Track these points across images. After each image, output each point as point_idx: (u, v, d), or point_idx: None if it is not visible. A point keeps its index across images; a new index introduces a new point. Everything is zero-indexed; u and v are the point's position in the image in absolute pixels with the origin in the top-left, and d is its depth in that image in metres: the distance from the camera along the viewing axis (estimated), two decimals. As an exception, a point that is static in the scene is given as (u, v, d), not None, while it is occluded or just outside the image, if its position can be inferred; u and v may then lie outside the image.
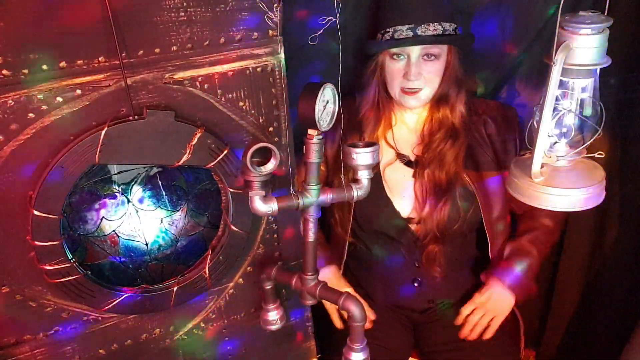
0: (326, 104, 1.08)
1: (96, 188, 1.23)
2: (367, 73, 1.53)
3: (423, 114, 1.57)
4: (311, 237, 1.18)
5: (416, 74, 1.43)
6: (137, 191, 1.31)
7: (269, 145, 1.08)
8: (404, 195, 1.56)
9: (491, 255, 1.58)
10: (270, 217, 1.31)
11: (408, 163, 1.57)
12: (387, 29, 1.43)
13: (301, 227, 1.19)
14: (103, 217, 1.26)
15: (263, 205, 1.10)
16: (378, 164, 1.50)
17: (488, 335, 1.54)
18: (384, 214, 1.57)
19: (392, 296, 1.65)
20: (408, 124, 1.59)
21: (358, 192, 1.18)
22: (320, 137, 1.10)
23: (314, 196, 1.14)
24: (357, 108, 1.58)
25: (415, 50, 1.43)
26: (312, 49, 1.22)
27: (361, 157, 1.14)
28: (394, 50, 1.44)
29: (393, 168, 1.57)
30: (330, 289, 1.22)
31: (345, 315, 1.28)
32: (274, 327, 1.33)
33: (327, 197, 1.16)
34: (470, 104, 1.55)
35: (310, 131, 1.09)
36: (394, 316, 1.66)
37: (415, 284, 1.62)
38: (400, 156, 1.58)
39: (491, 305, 1.54)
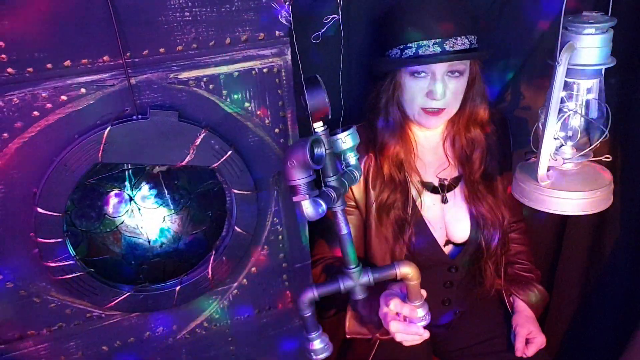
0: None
1: (99, 185, 1.23)
2: (381, 94, 1.40)
3: (438, 132, 1.49)
4: (344, 230, 1.16)
5: (442, 93, 1.32)
6: (139, 189, 1.31)
7: (316, 137, 1.05)
8: (438, 224, 1.50)
9: (502, 265, 1.57)
10: (274, 219, 1.30)
11: (434, 189, 1.49)
12: (409, 44, 1.31)
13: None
14: (106, 214, 1.26)
15: (314, 209, 1.04)
16: (415, 198, 1.46)
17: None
18: (428, 248, 1.49)
19: None
20: (425, 146, 1.49)
21: (357, 172, 1.19)
22: (326, 127, 1.10)
23: (338, 185, 1.13)
24: (370, 134, 1.45)
25: (441, 67, 1.31)
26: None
27: (351, 138, 1.14)
28: (416, 67, 1.32)
29: (422, 198, 1.47)
30: (380, 269, 1.18)
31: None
32: (322, 357, 1.23)
33: (345, 184, 1.15)
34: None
35: (316, 124, 1.09)
36: None
37: (446, 304, 1.59)
38: (424, 184, 1.49)
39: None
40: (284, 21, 1.11)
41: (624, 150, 1.61)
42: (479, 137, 1.45)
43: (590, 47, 0.95)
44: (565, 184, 1.05)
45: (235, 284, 1.32)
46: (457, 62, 1.32)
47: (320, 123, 1.10)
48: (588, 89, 1.01)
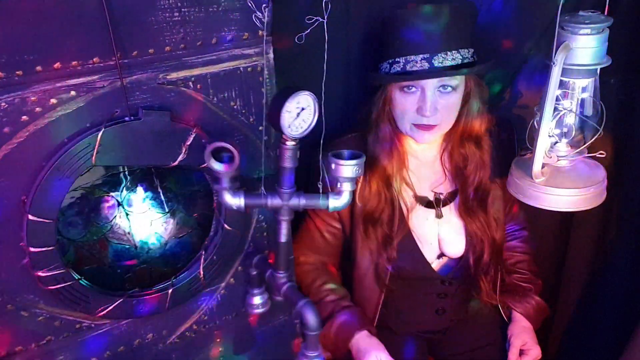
0: (301, 110, 1.06)
1: (86, 191, 1.21)
2: (375, 110, 1.38)
3: (435, 145, 1.45)
4: (283, 239, 1.20)
5: (432, 109, 1.27)
6: (127, 194, 1.29)
7: (228, 145, 1.07)
8: (429, 239, 1.47)
9: (499, 277, 1.55)
10: (260, 216, 1.32)
11: (428, 204, 1.46)
12: (397, 59, 1.28)
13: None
14: (93, 221, 1.23)
15: (231, 199, 1.12)
16: (405, 212, 1.44)
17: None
18: (415, 264, 1.47)
19: (414, 326, 1.61)
20: (421, 159, 1.45)
21: (335, 202, 1.13)
22: (294, 143, 1.09)
23: (284, 199, 1.15)
24: (363, 146, 1.41)
25: (430, 83, 1.26)
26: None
27: (344, 169, 1.09)
28: (405, 82, 1.29)
29: (415, 214, 1.45)
30: (295, 291, 1.23)
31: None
32: (257, 311, 1.33)
33: (300, 201, 1.14)
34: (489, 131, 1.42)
35: (284, 136, 1.09)
36: (409, 334, 1.63)
37: (439, 314, 1.57)
38: (419, 198, 1.45)
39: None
40: (257, 22, 1.14)
41: (624, 150, 1.59)
42: (472, 152, 1.41)
43: (586, 46, 0.96)
44: (559, 180, 1.06)
45: (223, 284, 1.33)
46: (447, 78, 1.28)
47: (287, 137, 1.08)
48: (583, 88, 1.02)
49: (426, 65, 1.25)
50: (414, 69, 1.26)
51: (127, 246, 1.29)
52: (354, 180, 1.11)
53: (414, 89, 1.30)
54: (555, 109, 1.02)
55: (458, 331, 1.62)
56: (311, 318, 1.16)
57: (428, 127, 1.32)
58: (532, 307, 1.56)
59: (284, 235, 1.20)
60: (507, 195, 1.40)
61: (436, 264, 1.51)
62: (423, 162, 1.46)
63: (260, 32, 1.16)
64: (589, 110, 1.05)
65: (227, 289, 1.34)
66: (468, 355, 1.59)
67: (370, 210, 1.44)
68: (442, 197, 1.46)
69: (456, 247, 1.49)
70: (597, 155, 1.08)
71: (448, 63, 1.26)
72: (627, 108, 1.56)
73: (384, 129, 1.38)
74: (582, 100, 1.05)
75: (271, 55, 1.19)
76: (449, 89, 1.29)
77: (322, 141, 1.11)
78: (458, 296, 1.57)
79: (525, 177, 1.08)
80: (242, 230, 1.28)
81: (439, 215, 1.46)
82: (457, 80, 1.29)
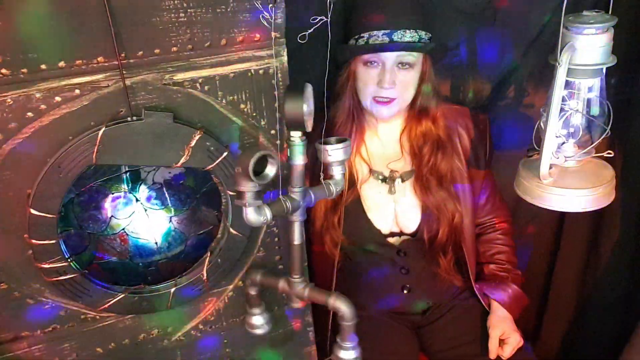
0: (307, 104, 1.07)
1: (105, 187, 1.23)
2: (340, 81, 1.49)
3: (396, 126, 1.55)
4: (298, 240, 1.18)
5: (390, 82, 1.40)
6: (144, 190, 1.31)
7: (270, 152, 1.04)
8: (381, 211, 1.54)
9: (468, 260, 1.60)
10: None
11: (383, 179, 1.54)
12: (362, 34, 1.40)
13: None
14: (112, 216, 1.26)
15: (258, 217, 1.07)
16: (356, 180, 1.53)
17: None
18: (365, 231, 1.55)
19: (387, 305, 1.63)
20: (381, 136, 1.56)
21: (335, 187, 1.19)
22: (305, 138, 1.09)
23: (300, 199, 1.13)
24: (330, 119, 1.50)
25: (390, 57, 1.39)
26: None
27: (335, 153, 1.14)
28: (368, 56, 1.41)
29: (368, 185, 1.54)
30: (319, 290, 1.21)
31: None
32: (259, 332, 1.32)
33: (311, 197, 1.16)
34: (443, 111, 1.52)
35: (293, 134, 1.07)
36: (394, 322, 1.65)
37: (405, 291, 1.61)
38: (373, 172, 1.54)
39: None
40: (264, 22, 1.11)
41: (624, 150, 1.61)
42: (429, 131, 1.50)
43: (591, 46, 0.96)
44: (567, 181, 1.05)
45: (231, 286, 1.32)
46: (405, 53, 1.39)
47: (298, 133, 1.08)
48: (589, 88, 1.02)
49: (386, 40, 1.38)
50: (376, 42, 1.39)
51: (147, 241, 1.31)
52: (344, 163, 1.17)
53: (375, 64, 1.42)
54: (562, 109, 1.01)
55: (445, 325, 1.63)
56: (346, 309, 1.16)
57: (386, 102, 1.43)
58: (508, 295, 1.59)
59: (298, 237, 1.18)
60: (477, 183, 1.56)
61: (394, 241, 1.57)
62: (383, 141, 1.56)
63: (272, 34, 1.13)
64: (595, 110, 1.03)
65: (235, 291, 1.33)
66: (458, 350, 1.58)
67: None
68: (396, 175, 1.53)
69: (411, 222, 1.55)
70: (605, 155, 1.06)
71: (406, 39, 1.39)
72: (627, 107, 1.55)
73: (346, 99, 1.49)
74: (589, 100, 1.03)
75: (285, 57, 1.16)
76: (407, 66, 1.41)
77: (322, 132, 1.16)
78: (421, 276, 1.60)
79: (532, 178, 1.08)
80: (251, 235, 1.26)
81: (392, 192, 1.53)
82: (414, 58, 1.41)
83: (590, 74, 1.00)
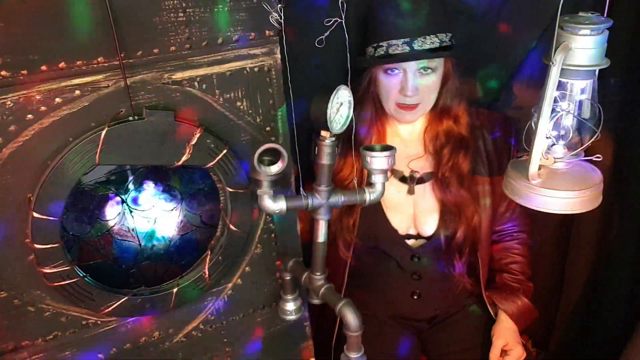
0: (340, 106, 1.08)
1: (91, 188, 1.22)
2: (360, 89, 1.47)
3: (417, 126, 1.53)
4: (321, 238, 1.19)
5: (413, 90, 1.37)
6: (130, 191, 1.31)
7: (279, 147, 1.08)
8: (400, 212, 1.52)
9: (481, 267, 1.59)
10: (267, 217, 1.31)
11: (402, 179, 1.52)
12: (381, 43, 1.37)
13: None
14: (97, 218, 1.25)
15: (273, 204, 1.11)
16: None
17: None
18: (383, 232, 1.53)
19: (394, 309, 1.63)
20: (402, 136, 1.54)
21: (371, 195, 1.17)
22: (333, 139, 1.11)
23: (323, 198, 1.15)
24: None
25: (411, 65, 1.36)
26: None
27: (377, 161, 1.13)
28: (388, 65, 1.38)
29: (388, 185, 1.47)
30: (333, 292, 1.22)
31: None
32: (290, 318, 1.33)
33: (339, 199, 1.17)
34: (470, 112, 1.51)
35: (323, 133, 1.10)
36: (398, 326, 1.65)
37: (415, 297, 1.59)
38: (394, 172, 1.52)
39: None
40: (274, 22, 1.13)
41: (625, 150, 1.59)
42: (451, 131, 1.48)
43: (585, 48, 0.96)
44: (555, 182, 1.05)
45: (230, 284, 1.32)
46: (427, 59, 1.37)
47: (327, 133, 1.10)
48: (582, 90, 1.01)
49: (407, 48, 1.35)
50: (396, 52, 1.36)
51: (132, 243, 1.30)
52: (386, 172, 1.16)
53: (396, 71, 1.39)
54: (553, 110, 1.01)
55: (448, 329, 1.63)
56: (352, 318, 1.15)
57: (410, 107, 1.42)
58: (517, 307, 1.58)
59: (322, 235, 1.19)
60: (498, 189, 1.49)
61: (410, 243, 1.55)
62: (405, 141, 1.54)
63: (267, 32, 1.15)
64: (586, 113, 1.04)
65: (234, 289, 1.33)
66: (459, 355, 1.59)
67: (340, 178, 1.51)
68: (417, 175, 1.51)
69: (429, 225, 1.52)
70: (594, 159, 1.07)
71: (427, 46, 1.35)
72: (627, 108, 1.56)
73: (367, 108, 1.48)
74: (580, 102, 1.03)
75: (278, 56, 1.18)
76: (429, 70, 1.39)
77: (353, 137, 1.19)
78: (433, 281, 1.58)
79: (521, 178, 1.07)
80: (249, 232, 1.27)
81: (411, 192, 1.51)
82: (436, 63, 1.39)
83: (583, 75, 0.99)
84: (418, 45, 1.35)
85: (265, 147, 1.05)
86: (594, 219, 1.72)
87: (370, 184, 1.17)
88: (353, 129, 1.14)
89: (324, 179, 1.13)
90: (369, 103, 1.48)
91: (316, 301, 1.25)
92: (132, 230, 1.29)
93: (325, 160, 1.11)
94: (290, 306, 1.32)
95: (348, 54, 1.05)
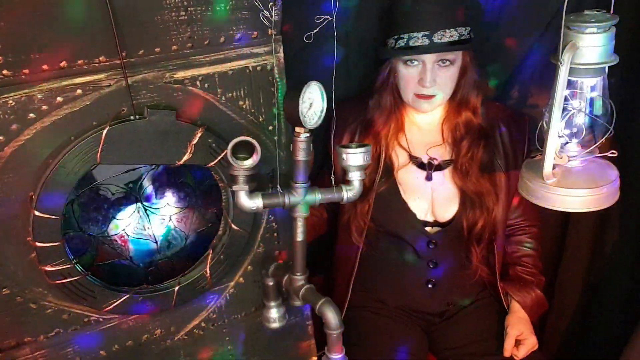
0: (312, 101, 1.07)
1: (105, 188, 1.23)
2: (380, 79, 1.51)
3: (436, 115, 1.55)
4: (300, 237, 1.18)
5: (431, 81, 1.41)
6: (144, 189, 1.31)
7: (251, 139, 1.06)
8: (418, 197, 1.54)
9: (497, 257, 1.59)
10: (270, 216, 1.31)
11: (421, 165, 1.54)
12: (402, 35, 1.41)
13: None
14: (112, 217, 1.25)
15: (248, 201, 1.10)
16: (393, 168, 1.54)
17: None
18: (401, 217, 1.55)
19: (406, 299, 1.63)
20: (419, 124, 1.57)
21: (348, 193, 1.17)
22: (308, 135, 1.10)
23: (301, 195, 1.14)
24: (354, 112, 1.55)
25: (430, 57, 1.40)
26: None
27: (353, 157, 1.13)
28: (408, 56, 1.42)
29: (406, 170, 1.55)
30: (313, 292, 1.22)
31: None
32: (273, 326, 1.31)
33: (316, 197, 1.16)
34: (488, 105, 1.53)
35: (297, 129, 1.09)
36: (408, 319, 1.65)
37: (430, 286, 1.59)
38: (413, 158, 1.55)
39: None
40: (265, 21, 1.13)
41: (625, 150, 1.53)
42: (469, 123, 1.51)
43: (592, 45, 0.96)
44: (571, 181, 1.05)
45: (232, 283, 1.33)
46: (445, 52, 1.40)
47: (301, 129, 1.09)
48: (592, 87, 1.01)
49: (426, 41, 1.38)
50: (416, 44, 1.39)
51: (147, 241, 1.30)
52: (363, 169, 1.16)
53: (416, 63, 1.43)
54: (565, 109, 1.01)
55: (457, 323, 1.63)
56: (331, 317, 1.14)
57: (428, 97, 1.45)
58: (531, 298, 1.59)
59: (300, 233, 1.18)
60: (512, 183, 1.53)
61: (428, 230, 1.56)
62: (423, 130, 1.57)
63: (269, 31, 1.15)
64: (598, 110, 1.03)
65: (236, 288, 1.33)
66: (466, 349, 1.59)
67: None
68: (435, 162, 1.54)
69: (447, 212, 1.54)
70: (609, 155, 1.06)
71: (446, 39, 1.38)
72: (628, 107, 1.55)
73: (386, 97, 1.52)
74: (591, 100, 1.03)
75: (281, 54, 1.18)
76: (447, 62, 1.42)
77: (332, 134, 1.24)
78: (449, 270, 1.58)
79: (536, 178, 1.07)
80: (251, 230, 1.27)
81: (429, 178, 1.53)
82: (454, 55, 1.42)
83: (593, 72, 0.99)
84: (438, 38, 1.38)
85: (238, 139, 1.04)
86: (590, 219, 1.73)
87: (347, 182, 1.17)
88: (333, 126, 1.17)
89: (300, 176, 1.12)
90: (388, 93, 1.52)
91: (297, 303, 1.24)
92: (148, 228, 1.30)
93: (300, 156, 1.10)
94: (273, 313, 1.30)
95: (335, 53, 1.07)
